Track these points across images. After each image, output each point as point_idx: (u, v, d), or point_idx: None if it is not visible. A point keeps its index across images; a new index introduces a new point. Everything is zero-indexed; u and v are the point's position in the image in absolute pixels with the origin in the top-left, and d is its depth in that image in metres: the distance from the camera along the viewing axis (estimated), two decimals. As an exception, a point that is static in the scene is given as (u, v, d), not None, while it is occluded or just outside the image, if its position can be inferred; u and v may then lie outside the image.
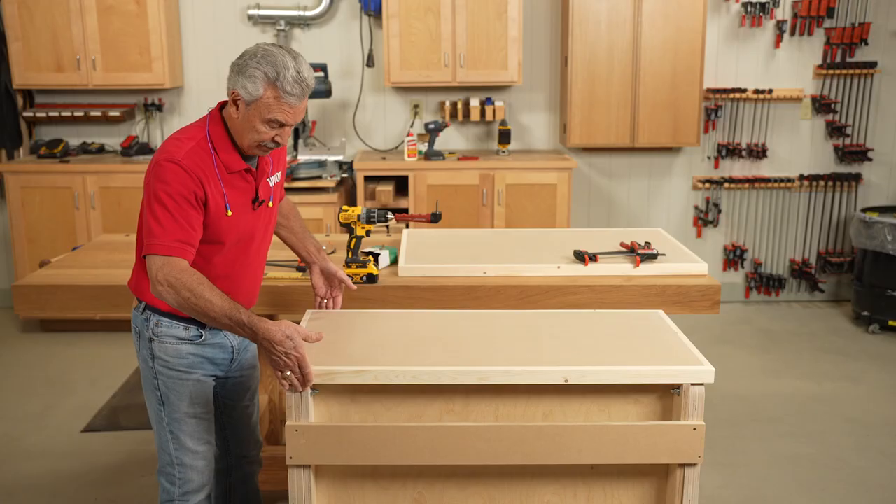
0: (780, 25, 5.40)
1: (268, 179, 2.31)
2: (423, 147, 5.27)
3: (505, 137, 5.30)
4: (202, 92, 5.47)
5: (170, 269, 2.04)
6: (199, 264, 2.17)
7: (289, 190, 4.96)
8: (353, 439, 2.13)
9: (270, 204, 2.33)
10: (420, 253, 3.01)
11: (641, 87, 5.18)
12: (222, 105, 2.23)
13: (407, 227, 3.83)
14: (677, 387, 2.15)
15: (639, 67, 5.16)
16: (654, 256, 2.90)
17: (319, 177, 5.01)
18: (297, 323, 2.43)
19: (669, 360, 2.20)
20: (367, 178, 5.15)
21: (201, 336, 2.27)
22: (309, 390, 2.14)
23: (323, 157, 5.10)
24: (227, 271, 2.26)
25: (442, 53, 5.07)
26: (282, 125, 2.14)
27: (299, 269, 2.87)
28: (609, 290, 2.77)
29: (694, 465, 2.17)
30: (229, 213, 2.16)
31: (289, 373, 2.05)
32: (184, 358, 2.26)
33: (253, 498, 2.68)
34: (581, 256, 2.90)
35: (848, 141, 5.58)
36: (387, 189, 5.01)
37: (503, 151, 5.32)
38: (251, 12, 5.30)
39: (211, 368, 2.32)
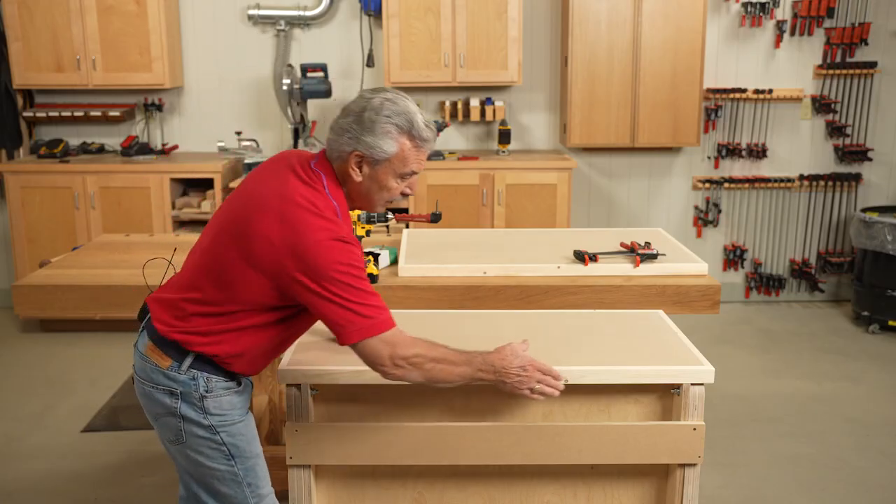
0: (780, 25, 5.40)
1: None
2: (423, 147, 5.27)
3: (505, 137, 5.30)
4: (202, 92, 5.47)
5: (400, 346, 1.89)
6: (273, 330, 2.00)
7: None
8: (353, 439, 2.13)
9: None
10: (420, 253, 3.01)
11: (641, 87, 5.18)
12: (309, 158, 2.02)
13: (407, 227, 3.83)
14: (677, 387, 2.15)
15: (639, 67, 5.16)
16: (654, 256, 2.90)
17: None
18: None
19: (669, 360, 2.20)
20: (367, 178, 5.14)
21: (241, 384, 2.09)
22: (309, 390, 2.14)
23: (323, 157, 5.09)
24: (293, 337, 2.11)
25: (442, 53, 5.07)
26: (413, 173, 1.99)
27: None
28: (609, 290, 2.77)
29: (694, 465, 2.17)
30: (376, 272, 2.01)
31: (536, 385, 2.01)
32: (236, 407, 2.06)
33: None
34: (581, 256, 2.90)
35: (848, 141, 5.58)
36: (387, 189, 5.00)
37: (503, 151, 5.32)
38: (251, 12, 5.30)
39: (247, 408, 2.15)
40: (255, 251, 1.89)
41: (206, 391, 1.99)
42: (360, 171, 1.96)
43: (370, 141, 1.92)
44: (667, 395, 2.18)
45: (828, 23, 5.42)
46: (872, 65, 5.40)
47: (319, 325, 2.42)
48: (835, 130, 5.54)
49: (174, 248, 3.25)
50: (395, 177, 1.98)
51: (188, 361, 1.98)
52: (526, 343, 2.05)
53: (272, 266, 1.88)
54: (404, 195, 2.05)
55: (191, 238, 3.52)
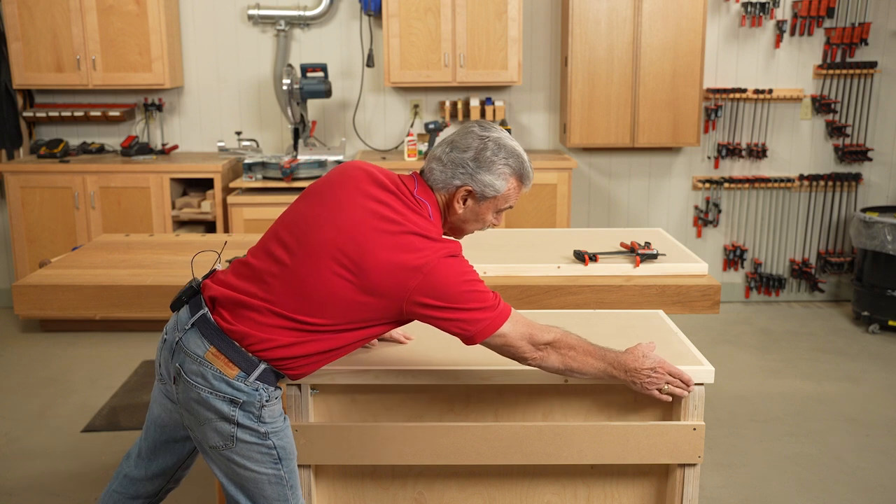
0: (780, 25, 5.40)
1: None
2: (423, 147, 5.27)
3: (505, 137, 5.29)
4: (202, 92, 5.48)
5: (535, 329, 1.98)
6: (350, 336, 2.00)
7: (289, 190, 4.96)
8: (353, 439, 2.14)
9: None
10: (420, 253, 3.01)
11: (641, 87, 5.18)
12: (404, 183, 2.04)
13: (407, 227, 3.82)
14: (677, 387, 2.15)
15: (639, 67, 5.16)
16: (654, 256, 2.90)
17: (320, 177, 5.00)
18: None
19: (669, 360, 2.20)
20: (367, 178, 5.14)
21: (280, 390, 2.09)
22: (309, 390, 2.14)
23: (323, 157, 5.10)
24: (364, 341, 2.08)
25: (442, 53, 5.07)
26: (509, 208, 2.10)
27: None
28: (609, 290, 2.77)
29: (694, 465, 2.17)
30: None
31: (665, 387, 2.07)
32: (282, 413, 2.07)
33: None
34: (581, 256, 2.90)
35: (848, 141, 5.58)
36: (387, 189, 5.00)
37: (503, 151, 5.31)
38: (251, 12, 5.30)
39: None
40: (373, 280, 1.90)
41: (266, 401, 1.98)
42: (464, 205, 2.04)
43: (486, 179, 2.01)
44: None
45: (828, 23, 5.42)
46: (872, 65, 5.40)
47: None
48: (835, 130, 5.54)
49: (176, 247, 3.25)
50: (494, 212, 2.08)
51: (256, 373, 1.95)
52: (653, 344, 2.11)
53: (394, 291, 1.90)
54: (493, 226, 2.13)
55: (191, 238, 3.51)
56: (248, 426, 1.97)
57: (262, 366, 1.95)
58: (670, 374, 2.08)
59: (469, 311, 1.92)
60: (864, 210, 5.39)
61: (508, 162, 2.01)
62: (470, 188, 2.01)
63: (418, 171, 2.09)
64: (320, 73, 5.10)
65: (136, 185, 5.02)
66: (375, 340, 2.31)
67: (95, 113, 5.31)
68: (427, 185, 2.05)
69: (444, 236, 2.03)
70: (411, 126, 5.50)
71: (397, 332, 2.30)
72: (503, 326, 1.95)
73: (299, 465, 2.15)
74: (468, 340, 1.97)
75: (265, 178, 5.00)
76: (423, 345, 2.30)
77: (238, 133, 5.30)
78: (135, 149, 5.27)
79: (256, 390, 1.96)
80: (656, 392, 2.08)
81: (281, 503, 2.06)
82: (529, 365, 2.02)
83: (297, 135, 5.17)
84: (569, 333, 2.03)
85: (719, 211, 5.64)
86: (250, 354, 1.94)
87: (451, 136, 2.05)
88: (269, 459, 2.02)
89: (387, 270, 1.90)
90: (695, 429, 2.14)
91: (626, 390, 2.17)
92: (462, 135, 2.03)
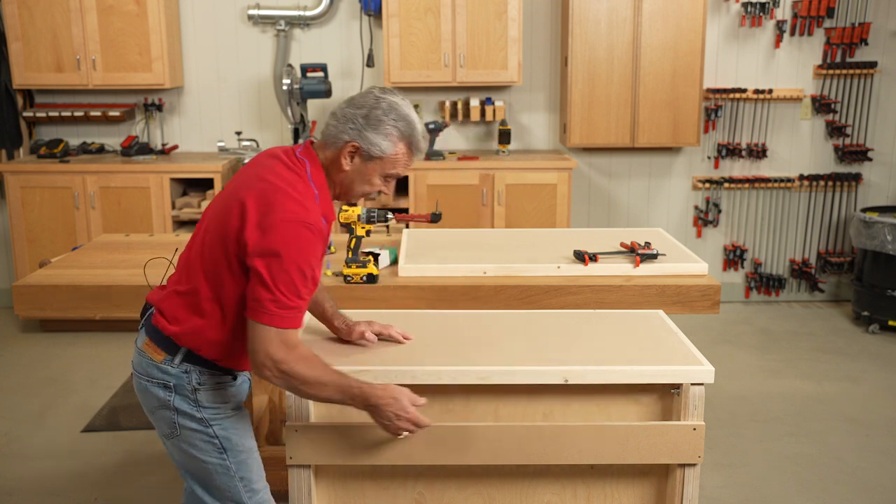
0: (780, 25, 5.40)
1: None
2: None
3: (505, 137, 5.30)
4: (202, 92, 5.48)
5: (281, 350, 1.90)
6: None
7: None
8: (353, 439, 2.13)
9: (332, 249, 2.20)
10: (420, 253, 3.02)
11: (641, 87, 5.18)
12: (295, 148, 2.07)
13: (407, 227, 3.83)
14: (677, 387, 2.15)
15: (639, 67, 5.16)
16: (654, 256, 2.90)
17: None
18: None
19: (669, 360, 2.20)
20: (367, 178, 5.14)
21: (236, 378, 2.13)
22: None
23: (323, 157, 5.09)
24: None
25: (442, 53, 5.07)
26: (396, 176, 2.07)
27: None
28: (609, 290, 2.77)
29: (694, 465, 2.17)
30: (329, 272, 2.04)
31: (405, 434, 2.03)
32: (229, 400, 2.10)
33: None
34: (581, 256, 2.90)
35: (848, 141, 5.58)
36: (387, 189, 5.00)
37: (503, 151, 5.32)
38: (251, 12, 5.30)
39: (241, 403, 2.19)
40: (232, 233, 1.93)
41: (199, 384, 2.04)
42: (351, 162, 2.02)
43: (372, 137, 1.99)
44: (667, 395, 2.18)
45: (828, 23, 5.42)
46: (872, 65, 5.40)
47: (319, 326, 2.42)
48: (835, 130, 5.54)
49: (175, 248, 3.25)
50: (381, 175, 2.05)
51: (180, 356, 2.02)
52: (422, 400, 2.02)
53: (242, 242, 1.92)
54: (380, 193, 2.10)
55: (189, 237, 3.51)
56: (187, 412, 2.04)
57: (184, 349, 2.02)
58: (416, 424, 2.01)
59: (269, 287, 1.88)
60: (864, 210, 5.39)
61: (398, 125, 1.99)
62: (357, 144, 1.99)
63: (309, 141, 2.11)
64: (320, 73, 5.10)
65: (136, 185, 5.02)
66: (374, 337, 2.29)
67: (95, 113, 5.31)
68: (321, 144, 2.06)
69: (358, 210, 2.06)
70: (411, 126, 5.49)
71: (396, 332, 2.31)
72: (271, 329, 1.89)
73: (299, 465, 2.15)
74: (246, 310, 1.93)
75: (265, 178, 4.99)
76: (423, 345, 2.30)
77: (238, 133, 5.30)
78: (135, 149, 5.27)
79: (186, 373, 2.03)
80: (389, 431, 2.02)
81: (232, 493, 2.10)
82: (256, 371, 1.94)
83: (297, 135, 5.17)
84: (314, 367, 1.93)
85: (719, 211, 5.64)
86: (171, 339, 2.02)
87: (353, 96, 2.06)
88: (213, 449, 2.07)
89: (241, 217, 1.93)
90: (695, 429, 2.14)
91: (627, 390, 2.17)
92: (362, 94, 2.04)
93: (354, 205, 2.83)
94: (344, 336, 2.31)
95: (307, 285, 1.93)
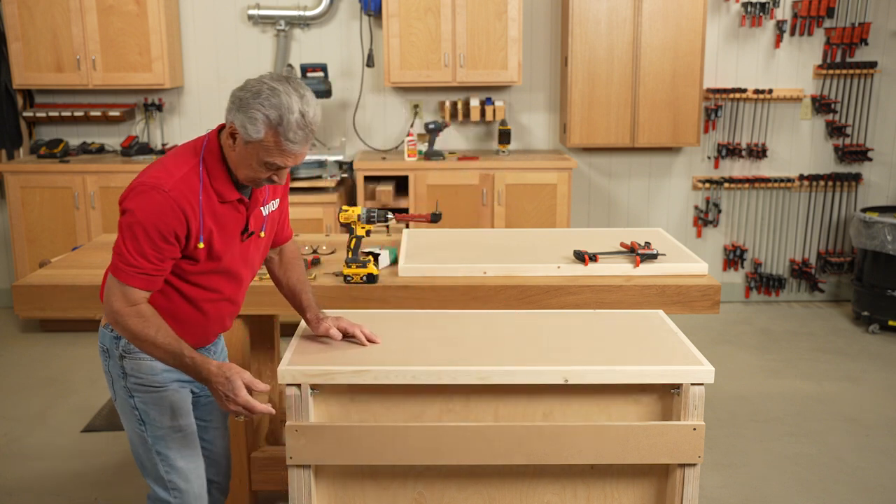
0: (780, 25, 5.40)
1: (261, 208, 2.21)
2: (423, 147, 5.27)
3: (505, 137, 5.30)
4: (202, 92, 5.47)
5: (118, 301, 2.01)
6: (170, 291, 2.12)
7: (289, 190, 4.95)
8: (353, 439, 2.13)
9: (262, 234, 2.23)
10: (420, 253, 3.01)
11: (641, 87, 5.18)
12: (221, 128, 2.11)
13: (407, 227, 3.83)
14: (677, 387, 2.15)
15: (639, 67, 5.16)
16: (654, 256, 2.90)
17: (319, 177, 5.01)
18: (298, 324, 2.44)
19: (669, 360, 2.20)
20: (367, 178, 5.15)
21: None
22: (309, 390, 2.14)
23: (323, 157, 5.10)
24: (203, 299, 2.18)
25: (442, 53, 5.07)
26: (277, 167, 2.03)
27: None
28: (609, 290, 2.77)
29: (694, 465, 2.17)
30: (201, 245, 2.06)
31: (241, 417, 2.06)
32: (158, 374, 2.17)
33: None
34: (581, 256, 2.90)
35: (848, 141, 5.58)
36: (387, 189, 5.01)
37: (503, 151, 5.32)
38: (251, 12, 5.30)
39: (186, 383, 2.24)
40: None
41: (126, 352, 2.15)
42: (234, 143, 2.03)
43: (241, 119, 1.97)
44: (667, 395, 2.18)
45: (828, 23, 5.42)
46: (872, 65, 5.40)
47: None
48: (835, 130, 5.54)
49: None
50: (259, 162, 2.02)
51: None
52: (261, 386, 2.04)
53: (122, 197, 2.05)
54: (272, 181, 2.08)
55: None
56: (116, 377, 2.18)
57: None
58: (248, 409, 2.03)
59: (118, 241, 2.01)
60: (864, 210, 5.39)
61: (266, 111, 1.94)
62: (233, 126, 2.00)
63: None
64: (320, 73, 5.10)
65: (136, 185, 5.02)
66: (338, 334, 2.28)
67: (95, 113, 5.31)
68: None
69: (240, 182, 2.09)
70: (411, 126, 5.50)
71: (361, 332, 2.28)
72: (115, 282, 2.02)
73: (299, 465, 2.15)
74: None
75: (265, 178, 4.99)
76: (423, 345, 2.30)
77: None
78: (135, 149, 5.27)
79: (116, 338, 2.16)
80: (223, 404, 2.05)
81: (152, 466, 2.22)
82: (106, 316, 2.06)
83: (297, 135, 5.16)
84: (148, 326, 2.02)
85: (719, 211, 5.64)
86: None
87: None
88: (134, 419, 2.19)
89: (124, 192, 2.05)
90: (695, 429, 2.14)
91: (627, 390, 2.17)
92: (257, 77, 2.02)
93: (354, 205, 2.83)
94: (312, 329, 2.35)
95: (155, 248, 1.99)
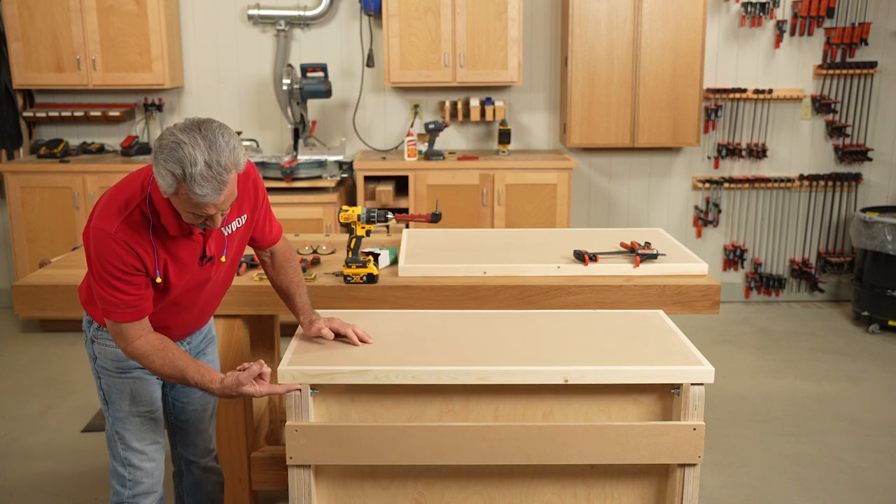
0: (780, 25, 5.40)
1: (222, 229, 2.18)
2: (423, 147, 5.27)
3: (505, 137, 5.30)
4: (202, 92, 5.47)
5: (122, 341, 2.12)
6: None
7: (289, 190, 4.96)
8: (353, 439, 2.14)
9: (223, 259, 2.22)
10: (420, 253, 3.01)
11: (641, 87, 5.18)
12: None
13: (407, 227, 3.83)
14: (677, 387, 2.16)
15: (639, 67, 5.16)
16: (654, 256, 2.90)
17: (319, 177, 5.01)
18: (297, 327, 2.44)
19: (669, 360, 2.20)
20: (367, 178, 5.15)
21: None
22: (309, 390, 2.14)
23: (323, 157, 5.10)
24: (165, 322, 2.23)
25: (442, 53, 5.07)
26: (206, 217, 1.98)
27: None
28: (609, 290, 2.77)
29: (694, 465, 2.17)
30: (158, 279, 2.07)
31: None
32: (123, 361, 2.28)
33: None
34: (581, 256, 2.90)
35: (848, 141, 5.58)
36: (387, 189, 5.01)
37: (503, 151, 5.32)
38: (251, 12, 5.30)
39: None
40: None
41: (94, 337, 2.30)
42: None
43: (155, 173, 1.93)
44: (667, 395, 2.18)
45: (828, 23, 5.42)
46: (872, 65, 5.40)
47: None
48: (835, 130, 5.54)
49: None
50: (185, 211, 1.97)
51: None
52: (263, 368, 2.10)
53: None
54: (209, 226, 2.03)
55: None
56: (91, 358, 2.34)
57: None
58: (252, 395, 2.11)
59: (99, 286, 2.07)
60: (864, 210, 5.39)
61: (167, 166, 1.88)
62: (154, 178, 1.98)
63: None
64: (320, 73, 5.10)
65: (136, 185, 5.02)
66: (330, 334, 2.32)
67: (95, 113, 5.31)
68: None
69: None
70: (411, 126, 5.50)
71: (353, 332, 2.30)
72: (108, 322, 2.12)
73: (299, 465, 2.16)
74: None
75: (265, 178, 4.99)
76: (423, 345, 2.30)
77: (238, 133, 5.28)
78: (135, 149, 5.27)
79: (90, 322, 2.31)
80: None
81: (111, 442, 2.36)
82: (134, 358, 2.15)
83: (297, 135, 5.17)
84: (159, 357, 2.11)
85: (719, 211, 5.64)
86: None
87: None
88: (101, 396, 2.35)
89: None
90: (695, 429, 2.14)
91: (627, 390, 2.17)
92: (169, 128, 1.94)
93: (354, 205, 2.84)
94: (305, 330, 2.39)
95: (126, 283, 2.04)
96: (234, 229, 2.22)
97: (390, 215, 2.79)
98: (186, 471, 2.59)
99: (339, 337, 2.33)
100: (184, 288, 2.18)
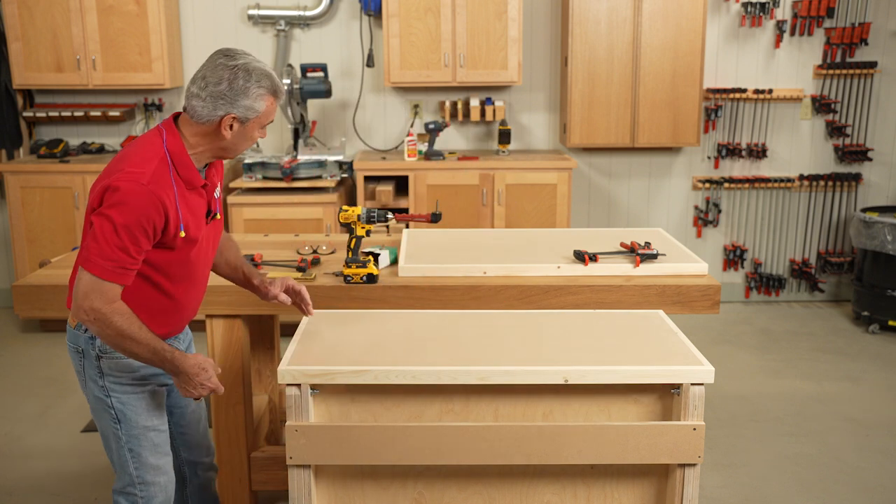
0: (780, 25, 5.40)
1: (214, 192, 2.28)
2: (423, 147, 5.27)
3: (505, 137, 5.30)
4: (202, 92, 5.47)
5: (98, 300, 2.02)
6: (143, 284, 2.14)
7: (289, 190, 4.96)
8: (353, 439, 2.14)
9: (218, 216, 2.32)
10: (420, 253, 3.02)
11: (641, 87, 5.18)
12: (175, 116, 2.19)
13: (407, 227, 3.83)
14: (677, 387, 2.16)
15: (639, 67, 5.16)
16: (654, 256, 2.90)
17: (319, 177, 5.01)
18: (298, 324, 2.45)
19: (669, 360, 2.20)
20: (367, 178, 5.15)
21: None
22: (309, 390, 2.14)
23: (323, 157, 5.10)
24: (175, 284, 2.21)
25: (442, 53, 5.07)
26: (271, 122, 2.23)
27: (299, 269, 2.87)
28: (609, 290, 2.77)
29: (694, 465, 2.17)
30: (182, 234, 2.11)
31: (199, 395, 2.18)
32: (135, 371, 2.22)
33: None
34: (581, 256, 2.90)
35: (848, 141, 5.58)
36: (387, 189, 5.01)
37: (503, 151, 5.32)
38: (251, 12, 5.30)
39: (162, 377, 2.28)
40: (92, 193, 2.07)
41: (102, 351, 2.19)
42: (232, 130, 2.13)
43: (246, 104, 2.10)
44: (667, 395, 2.18)
45: (828, 23, 5.43)
46: (872, 65, 5.40)
47: (319, 326, 2.42)
48: (835, 130, 5.54)
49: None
50: (261, 128, 2.19)
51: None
52: (219, 369, 2.21)
53: (92, 199, 2.06)
54: (261, 137, 2.24)
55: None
56: (93, 377, 2.21)
57: None
58: (208, 389, 2.18)
59: (95, 237, 2.01)
60: (864, 210, 5.39)
61: (262, 83, 2.10)
62: (234, 115, 2.10)
63: (176, 113, 2.21)
64: (320, 73, 5.10)
65: (136, 185, 5.02)
66: (287, 299, 2.45)
67: (95, 113, 5.31)
68: (187, 121, 2.14)
69: (219, 158, 2.21)
70: (411, 126, 5.50)
71: (306, 292, 2.47)
72: (87, 273, 2.02)
73: (299, 465, 2.16)
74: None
75: (265, 178, 5.00)
76: (423, 345, 2.30)
77: (238, 133, 5.29)
78: (135, 149, 5.27)
79: (92, 339, 2.18)
80: (186, 394, 2.18)
81: (121, 461, 2.26)
82: (76, 316, 2.07)
83: (297, 135, 5.17)
84: (132, 325, 2.06)
85: (719, 211, 5.64)
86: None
87: (203, 72, 2.11)
88: (109, 417, 2.23)
89: (95, 185, 2.08)
90: (695, 429, 2.14)
91: (627, 390, 2.17)
92: (212, 69, 2.10)
93: (354, 205, 2.84)
94: (261, 296, 2.48)
95: (135, 242, 2.02)
96: (218, 194, 2.31)
97: (390, 215, 2.79)
98: (191, 475, 2.56)
99: (294, 297, 2.47)
100: (194, 249, 2.20)
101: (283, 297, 2.44)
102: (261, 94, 2.10)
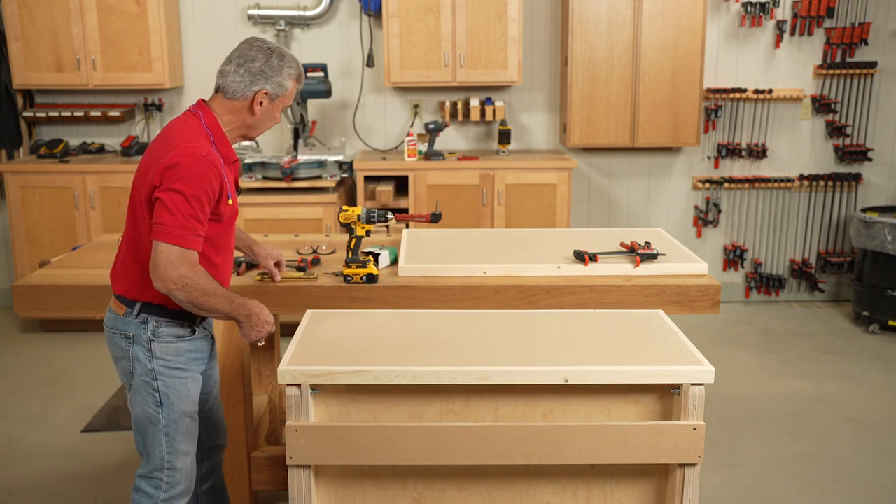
0: (780, 25, 5.40)
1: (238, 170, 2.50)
2: (423, 147, 5.27)
3: (505, 137, 5.30)
4: (202, 92, 5.47)
5: (184, 267, 2.16)
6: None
7: (289, 190, 4.96)
8: (353, 439, 2.14)
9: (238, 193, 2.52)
10: (420, 253, 3.02)
11: (641, 87, 5.18)
12: (202, 101, 2.38)
13: (407, 227, 3.83)
14: (677, 387, 2.16)
15: (639, 67, 5.16)
16: (654, 256, 2.90)
17: (319, 177, 5.01)
18: (298, 324, 2.47)
19: (669, 360, 2.20)
20: (367, 178, 5.15)
21: (194, 332, 2.36)
22: (309, 390, 2.14)
23: (323, 157, 5.10)
24: (219, 255, 2.37)
25: (442, 53, 5.07)
26: (288, 105, 2.45)
27: (299, 269, 2.87)
28: (609, 290, 2.77)
29: (694, 465, 2.17)
30: (230, 202, 2.30)
31: (259, 336, 2.35)
32: (182, 355, 2.33)
33: (220, 485, 2.71)
34: (581, 256, 2.90)
35: (848, 141, 5.58)
36: (387, 189, 5.01)
37: (503, 151, 5.32)
38: (251, 12, 5.30)
39: (200, 365, 2.40)
40: (148, 184, 2.21)
41: (154, 335, 2.29)
42: (261, 106, 2.35)
43: (279, 81, 2.35)
44: (667, 395, 2.18)
45: (828, 23, 5.43)
46: (872, 65, 5.40)
47: (320, 326, 2.42)
48: (835, 130, 5.54)
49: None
50: (282, 109, 2.43)
51: (138, 307, 2.29)
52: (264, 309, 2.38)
53: (151, 184, 2.20)
54: (276, 122, 2.46)
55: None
56: (141, 360, 2.30)
57: (139, 302, 2.29)
58: (269, 331, 2.37)
59: (169, 209, 2.15)
60: (864, 210, 5.39)
61: (291, 66, 2.37)
62: (267, 90, 2.33)
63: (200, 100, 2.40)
64: (320, 73, 5.10)
65: (136, 185, 5.02)
66: (277, 273, 2.76)
67: (95, 113, 5.31)
68: (220, 99, 2.35)
69: (242, 139, 2.44)
70: (411, 126, 5.50)
71: (284, 263, 2.79)
72: (172, 246, 2.16)
73: (299, 465, 2.16)
74: (153, 234, 2.19)
75: (265, 178, 5.00)
76: (423, 345, 2.30)
77: (238, 133, 5.29)
78: (135, 149, 5.27)
79: (143, 323, 2.29)
80: (253, 336, 2.33)
81: (156, 445, 2.33)
82: (159, 288, 2.18)
83: (297, 135, 5.17)
84: (212, 282, 2.22)
85: (719, 211, 5.64)
86: (125, 297, 2.31)
87: (237, 53, 2.34)
88: (152, 400, 2.31)
89: (150, 161, 2.24)
90: (695, 429, 2.14)
91: (627, 390, 2.17)
92: (247, 49, 2.34)
93: (354, 205, 2.86)
94: (263, 261, 2.77)
95: (204, 210, 2.19)
96: None
97: (390, 215, 2.79)
98: (207, 457, 2.63)
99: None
100: (232, 219, 2.39)
101: (275, 274, 2.76)
102: (291, 73, 2.36)
